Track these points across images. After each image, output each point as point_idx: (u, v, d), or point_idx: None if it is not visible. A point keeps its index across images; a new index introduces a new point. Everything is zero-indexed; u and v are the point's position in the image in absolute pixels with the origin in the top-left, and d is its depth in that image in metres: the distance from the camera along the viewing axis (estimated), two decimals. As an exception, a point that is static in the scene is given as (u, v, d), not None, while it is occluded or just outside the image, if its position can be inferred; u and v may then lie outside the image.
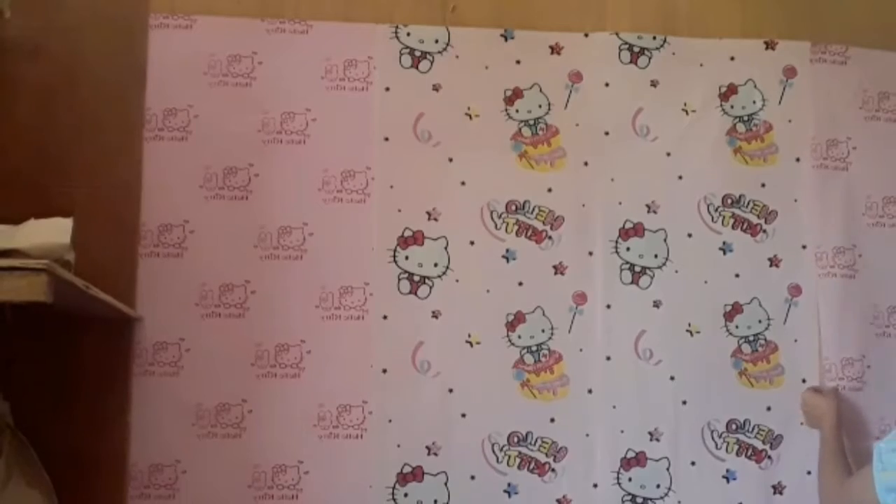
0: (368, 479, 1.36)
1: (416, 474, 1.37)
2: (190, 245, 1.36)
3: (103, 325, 1.27)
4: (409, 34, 1.45)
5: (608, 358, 1.42)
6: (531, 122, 1.46)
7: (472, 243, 1.42)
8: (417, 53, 1.45)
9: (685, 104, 1.49)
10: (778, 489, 1.43)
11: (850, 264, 1.47)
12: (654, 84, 1.49)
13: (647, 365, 1.43)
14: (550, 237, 1.44)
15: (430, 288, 1.40)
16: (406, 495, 1.36)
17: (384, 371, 1.38)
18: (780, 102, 1.51)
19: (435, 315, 1.40)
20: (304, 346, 1.36)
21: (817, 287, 1.47)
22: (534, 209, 1.44)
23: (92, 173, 1.31)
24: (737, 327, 1.45)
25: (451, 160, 1.43)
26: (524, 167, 1.45)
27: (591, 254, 1.44)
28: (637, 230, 1.46)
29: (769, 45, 1.52)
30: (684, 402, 1.43)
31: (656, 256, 1.45)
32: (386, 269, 1.40)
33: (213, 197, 1.37)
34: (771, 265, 1.47)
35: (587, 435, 1.41)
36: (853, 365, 1.44)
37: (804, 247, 1.48)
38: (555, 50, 1.48)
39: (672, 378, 1.43)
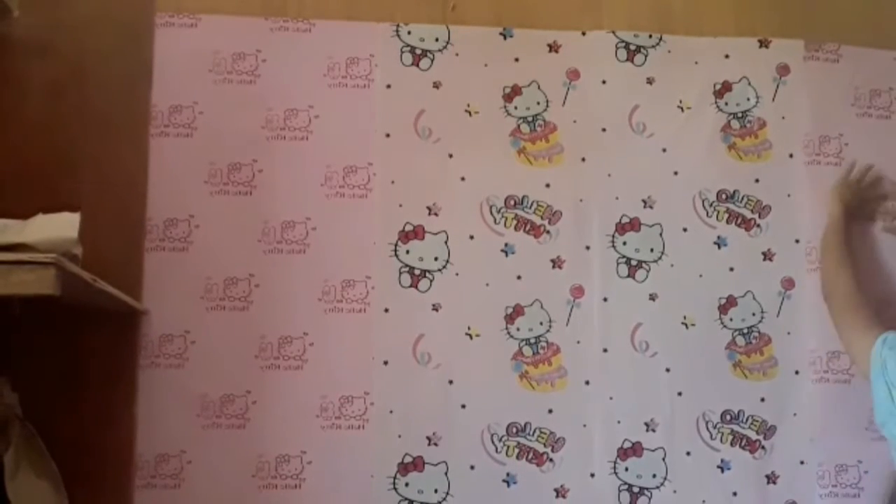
0: (370, 468, 1.38)
1: (417, 464, 1.39)
2: (195, 239, 1.38)
3: (110, 318, 1.29)
4: (409, 33, 1.47)
5: (605, 350, 1.45)
6: (530, 119, 1.48)
7: (471, 238, 1.44)
8: (418, 51, 1.47)
9: (680, 101, 1.51)
10: (771, 479, 1.45)
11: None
12: (650, 81, 1.51)
13: (643, 357, 1.45)
14: (548, 232, 1.46)
15: (431, 281, 1.42)
16: (407, 485, 1.38)
17: (385, 363, 1.40)
18: (773, 100, 1.53)
19: (435, 308, 1.42)
20: (306, 338, 1.38)
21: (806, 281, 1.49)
22: (532, 204, 1.46)
23: (99, 169, 1.32)
24: (731, 320, 1.47)
25: (451, 156, 1.45)
26: (523, 163, 1.47)
27: (588, 248, 1.47)
28: (633, 225, 1.48)
29: (763, 44, 1.54)
30: (679, 394, 1.45)
31: (652, 250, 1.48)
32: (387, 262, 1.42)
33: (218, 192, 1.39)
34: (764, 259, 1.50)
35: (584, 426, 1.43)
36: (839, 358, 1.46)
37: (797, 241, 1.50)
38: (553, 48, 1.50)
39: (668, 370, 1.45)
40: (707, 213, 1.49)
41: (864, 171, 1.50)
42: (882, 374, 1.10)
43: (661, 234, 1.48)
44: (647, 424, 1.44)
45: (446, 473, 1.39)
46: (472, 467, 1.40)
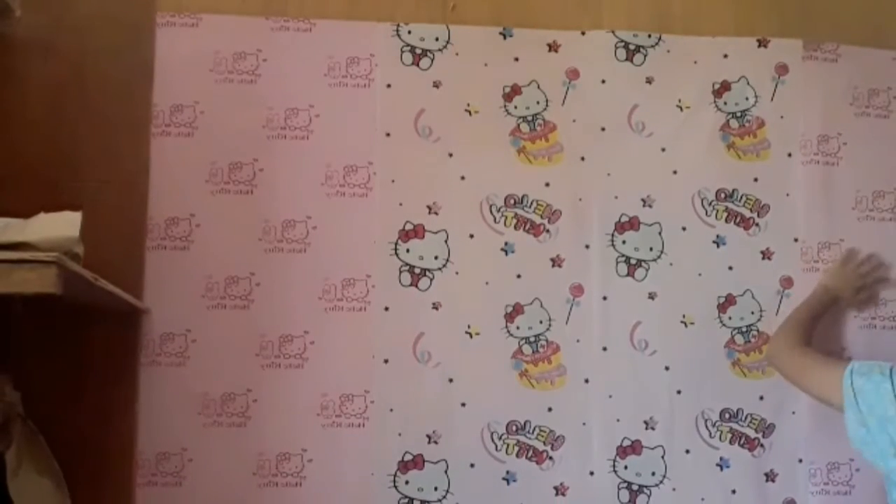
0: (370, 466, 1.38)
1: (417, 462, 1.39)
2: (196, 238, 1.38)
3: (111, 317, 1.30)
4: (410, 32, 1.47)
5: (604, 348, 1.45)
6: (529, 118, 1.48)
7: (471, 236, 1.45)
8: (418, 51, 1.47)
9: (679, 101, 1.51)
10: (770, 476, 1.46)
11: (836, 259, 1.50)
12: (649, 81, 1.51)
13: (643, 355, 1.46)
14: (548, 230, 1.46)
15: (431, 280, 1.43)
16: (407, 482, 1.39)
17: (386, 361, 1.40)
18: (772, 99, 1.53)
19: (435, 307, 1.42)
20: (307, 336, 1.39)
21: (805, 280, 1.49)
22: (532, 203, 1.46)
23: (100, 168, 1.33)
24: (730, 318, 1.48)
25: (451, 155, 1.46)
26: (522, 162, 1.47)
27: (587, 247, 1.47)
28: (632, 224, 1.48)
29: (762, 44, 1.55)
30: (679, 392, 1.45)
31: (651, 249, 1.48)
32: (387, 261, 1.42)
33: (219, 191, 1.40)
34: (763, 258, 1.50)
35: (584, 424, 1.44)
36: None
37: (796, 240, 1.51)
38: (552, 48, 1.51)
39: (667, 368, 1.46)
40: (706, 212, 1.50)
41: (864, 259, 1.50)
42: (855, 403, 1.12)
43: (660, 233, 1.49)
44: (646, 423, 1.45)
45: (446, 471, 1.40)
46: (472, 465, 1.40)
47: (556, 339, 1.44)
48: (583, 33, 1.52)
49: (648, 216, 1.49)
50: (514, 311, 1.44)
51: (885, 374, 1.10)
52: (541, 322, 1.44)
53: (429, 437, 1.40)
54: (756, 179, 1.51)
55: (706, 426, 1.46)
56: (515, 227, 1.46)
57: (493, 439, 1.41)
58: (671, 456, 1.44)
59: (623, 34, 1.52)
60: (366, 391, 1.39)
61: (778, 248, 1.50)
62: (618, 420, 1.44)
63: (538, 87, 1.49)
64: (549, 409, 1.43)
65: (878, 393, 1.09)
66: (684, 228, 1.49)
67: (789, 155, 1.53)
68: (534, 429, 1.42)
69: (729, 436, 1.46)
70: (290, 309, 1.39)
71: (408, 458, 1.39)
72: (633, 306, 1.47)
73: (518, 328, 1.44)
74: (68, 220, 0.93)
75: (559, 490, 1.42)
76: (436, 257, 1.43)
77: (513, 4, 1.51)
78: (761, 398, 1.47)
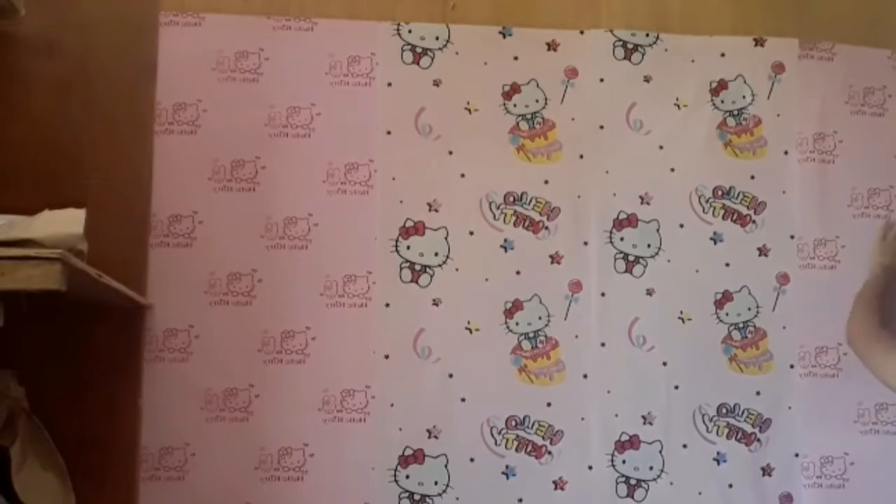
0: (371, 461, 1.40)
1: (418, 457, 1.41)
2: (199, 235, 1.40)
3: (115, 313, 1.30)
4: (410, 31, 1.49)
5: (603, 344, 1.47)
6: (528, 117, 1.50)
7: (471, 233, 1.46)
8: (419, 50, 1.49)
9: (677, 99, 1.53)
10: (767, 471, 1.47)
11: (832, 255, 1.52)
12: (647, 80, 1.53)
13: (641, 351, 1.47)
14: (547, 227, 1.48)
15: (431, 277, 1.44)
16: (408, 477, 1.40)
17: (386, 357, 1.42)
18: (768, 97, 1.55)
19: (435, 303, 1.44)
20: (309, 332, 1.40)
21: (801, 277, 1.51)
22: (531, 200, 1.48)
23: (104, 166, 1.34)
24: (727, 314, 1.49)
25: (451, 153, 1.47)
26: (522, 160, 1.49)
27: (586, 244, 1.48)
28: (631, 221, 1.50)
29: (758, 43, 1.56)
30: (676, 387, 1.47)
31: (649, 246, 1.50)
32: (388, 258, 1.44)
33: (222, 188, 1.41)
34: (760, 254, 1.51)
35: (582, 419, 1.45)
36: (828, 353, 1.49)
37: (792, 237, 1.52)
38: (551, 47, 1.52)
39: (664, 364, 1.47)
40: (703, 210, 1.51)
41: None
42: None
43: (657, 230, 1.50)
44: (644, 417, 1.46)
45: (446, 466, 1.41)
46: (471, 460, 1.42)
47: (554, 335, 1.46)
48: (581, 32, 1.53)
49: (646, 213, 1.50)
50: (514, 308, 1.45)
51: None
52: (540, 318, 1.46)
53: (429, 431, 1.41)
54: (753, 177, 1.53)
55: (703, 421, 1.47)
56: (515, 225, 1.47)
57: (492, 434, 1.43)
58: (669, 450, 1.46)
59: (621, 33, 1.53)
60: (367, 386, 1.41)
61: (774, 245, 1.52)
62: (616, 415, 1.46)
63: (537, 85, 1.50)
64: (548, 405, 1.44)
65: None
66: (682, 225, 1.51)
67: (786, 153, 1.54)
68: (533, 424, 1.43)
69: (726, 430, 1.47)
70: (291, 305, 1.40)
71: (408, 452, 1.41)
72: (631, 302, 1.48)
73: (517, 324, 1.45)
74: (72, 217, 0.93)
75: (558, 484, 1.43)
76: (436, 254, 1.45)
77: (512, 4, 1.52)
78: (758, 393, 1.48)
